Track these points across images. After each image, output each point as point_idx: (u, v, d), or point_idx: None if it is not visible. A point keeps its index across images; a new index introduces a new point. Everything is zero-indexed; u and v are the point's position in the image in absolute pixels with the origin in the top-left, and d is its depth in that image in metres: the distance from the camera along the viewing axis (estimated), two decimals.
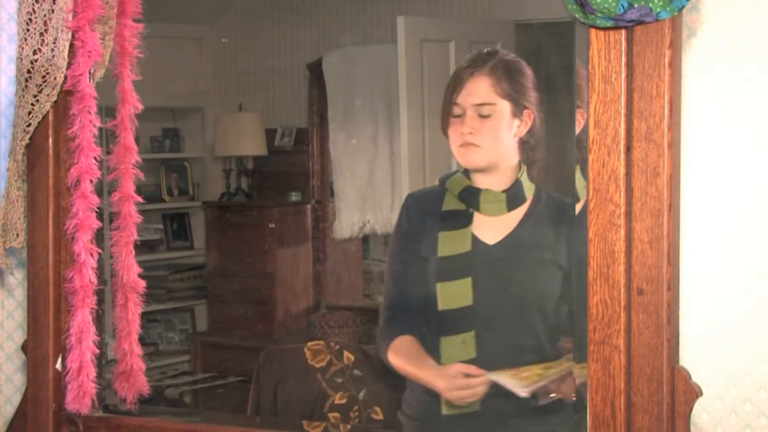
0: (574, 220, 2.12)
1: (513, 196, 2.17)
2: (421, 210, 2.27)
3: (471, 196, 2.19)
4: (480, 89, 2.14)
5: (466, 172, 2.21)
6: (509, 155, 2.18)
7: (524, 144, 2.18)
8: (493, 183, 2.18)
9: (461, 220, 2.19)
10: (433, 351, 2.19)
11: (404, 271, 2.28)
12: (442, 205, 2.22)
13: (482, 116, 2.14)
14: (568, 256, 2.11)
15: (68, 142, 2.14)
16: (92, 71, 2.13)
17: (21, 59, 2.14)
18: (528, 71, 2.19)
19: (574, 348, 2.02)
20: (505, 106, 2.15)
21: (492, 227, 2.18)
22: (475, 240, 2.17)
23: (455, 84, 2.17)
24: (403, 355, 2.22)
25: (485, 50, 2.25)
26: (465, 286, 2.15)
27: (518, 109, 2.16)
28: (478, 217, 2.19)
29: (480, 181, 2.19)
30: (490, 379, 2.11)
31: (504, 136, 2.16)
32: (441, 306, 2.17)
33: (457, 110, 2.17)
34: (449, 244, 2.18)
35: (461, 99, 2.15)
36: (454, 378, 2.13)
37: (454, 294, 2.16)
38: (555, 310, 2.13)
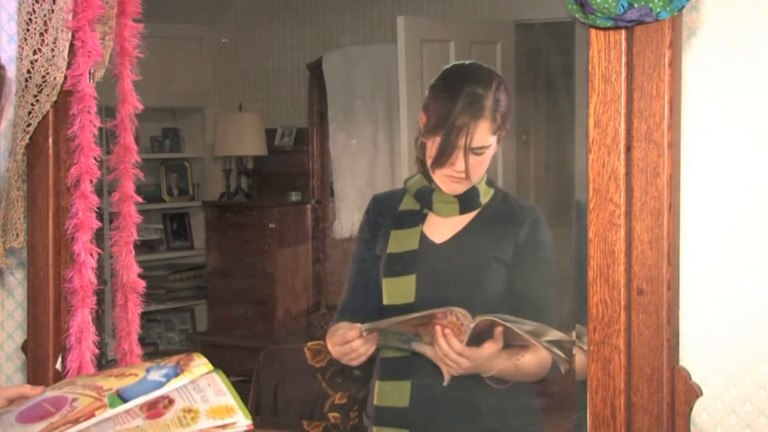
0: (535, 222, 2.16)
1: (466, 200, 2.18)
2: (380, 210, 2.29)
3: (425, 196, 2.20)
4: (481, 135, 2.12)
5: (427, 173, 2.21)
6: (483, 174, 2.20)
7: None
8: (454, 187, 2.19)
9: (414, 219, 2.21)
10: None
11: (360, 269, 2.30)
12: (400, 205, 2.23)
13: (476, 156, 2.13)
14: (515, 251, 2.14)
15: (68, 142, 2.14)
16: (92, 71, 2.13)
17: (21, 59, 2.14)
18: (507, 96, 2.17)
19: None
20: (494, 141, 2.15)
21: (443, 227, 2.20)
22: (423, 239, 2.19)
23: (461, 128, 2.11)
24: (332, 338, 2.24)
25: (468, 64, 2.25)
26: (409, 283, 2.16)
27: (500, 136, 2.16)
28: (432, 217, 2.21)
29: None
30: (362, 330, 2.11)
31: (487, 164, 2.17)
32: (385, 301, 2.19)
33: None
34: (399, 241, 2.20)
35: (464, 144, 2.13)
36: (338, 336, 2.15)
37: (398, 290, 2.18)
38: (499, 307, 2.14)
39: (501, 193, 2.22)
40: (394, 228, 2.22)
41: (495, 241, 2.17)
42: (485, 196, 2.19)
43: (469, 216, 2.19)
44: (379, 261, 2.23)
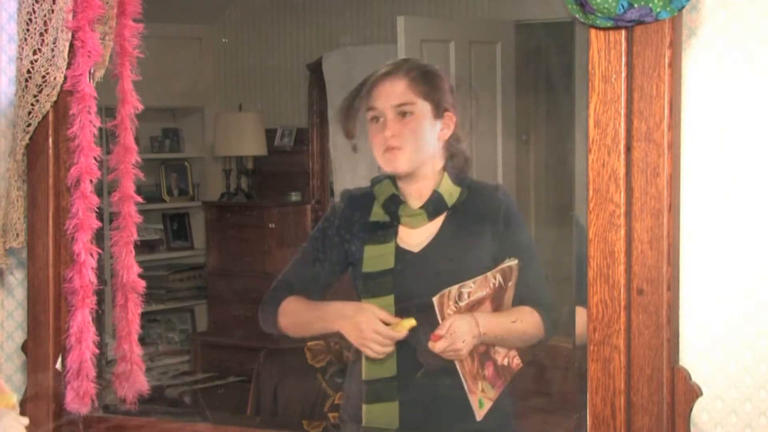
0: (507, 212, 2.14)
1: (431, 208, 2.14)
2: (354, 211, 2.22)
3: (393, 208, 2.16)
4: (397, 90, 2.12)
5: (393, 179, 2.19)
6: (434, 159, 2.15)
7: (449, 148, 2.15)
8: (417, 189, 2.15)
9: (387, 233, 2.16)
10: (356, 377, 2.19)
11: (313, 251, 2.26)
12: (369, 215, 2.19)
13: (403, 117, 2.11)
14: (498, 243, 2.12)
15: (68, 142, 2.14)
16: (92, 71, 2.13)
17: (21, 59, 2.14)
18: (444, 76, 2.17)
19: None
20: (425, 107, 2.12)
21: (417, 235, 2.16)
22: (399, 252, 2.15)
23: (367, 90, 2.13)
24: (300, 309, 2.22)
25: (399, 59, 2.26)
26: (387, 303, 2.12)
27: (439, 111, 2.13)
28: (404, 227, 2.17)
29: (405, 188, 2.16)
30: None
31: (428, 136, 2.13)
32: None
33: (374, 114, 2.13)
34: (374, 259, 2.16)
35: (379, 102, 2.11)
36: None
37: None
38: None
39: (470, 189, 2.17)
40: (368, 243, 2.17)
41: (472, 244, 2.15)
42: (452, 197, 2.15)
43: (440, 220, 2.15)
44: (345, 260, 2.19)
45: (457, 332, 2.05)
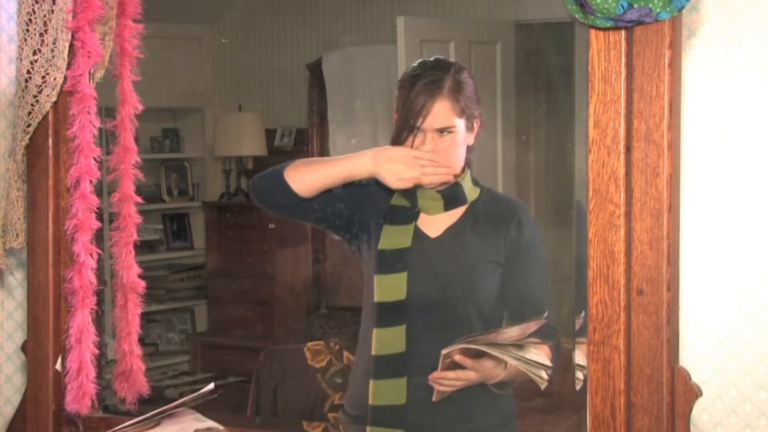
0: (523, 221, 2.15)
1: (450, 197, 2.18)
2: (371, 193, 2.23)
3: (410, 192, 2.19)
4: (442, 114, 2.12)
5: None
6: (461, 164, 2.18)
7: (469, 149, 2.19)
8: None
9: (408, 216, 2.20)
10: (366, 341, 2.20)
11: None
12: (391, 198, 2.21)
13: (442, 137, 2.13)
14: (509, 251, 2.13)
15: (68, 142, 2.14)
16: (92, 71, 2.13)
17: (21, 59, 2.14)
18: (472, 81, 2.18)
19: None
20: (461, 125, 2.14)
21: (435, 223, 2.19)
22: (417, 234, 2.18)
23: (418, 108, 2.12)
24: (310, 163, 2.20)
25: (432, 59, 2.25)
26: (400, 280, 2.16)
27: (470, 123, 2.16)
28: (422, 214, 2.20)
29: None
30: None
31: (460, 151, 2.16)
32: (377, 298, 2.17)
33: (419, 133, 2.15)
34: (392, 237, 2.19)
35: (426, 125, 2.12)
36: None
37: (389, 287, 2.16)
38: (492, 308, 2.14)
39: (487, 191, 2.22)
40: (387, 223, 2.20)
41: (485, 241, 2.17)
42: (471, 193, 2.19)
43: (459, 211, 2.19)
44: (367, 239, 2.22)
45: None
